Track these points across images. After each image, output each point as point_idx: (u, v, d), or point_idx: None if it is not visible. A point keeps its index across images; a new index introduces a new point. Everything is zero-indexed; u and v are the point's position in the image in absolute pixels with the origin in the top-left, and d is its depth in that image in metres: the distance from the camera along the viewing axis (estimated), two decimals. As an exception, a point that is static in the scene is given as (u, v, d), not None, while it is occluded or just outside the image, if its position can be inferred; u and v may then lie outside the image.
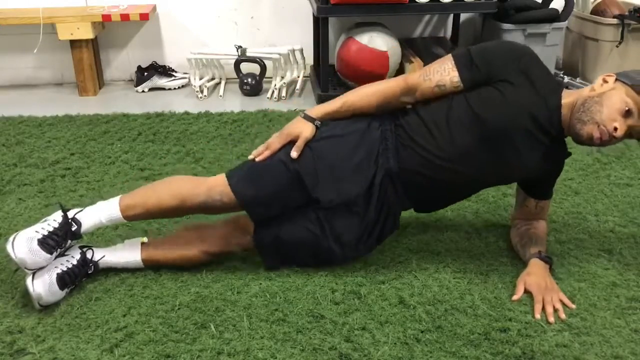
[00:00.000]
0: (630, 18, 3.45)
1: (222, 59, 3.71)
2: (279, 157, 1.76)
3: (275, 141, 1.78)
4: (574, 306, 1.69)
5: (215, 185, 1.76)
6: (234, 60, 3.62)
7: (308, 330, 1.60)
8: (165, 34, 3.83)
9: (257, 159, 1.77)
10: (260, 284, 1.79)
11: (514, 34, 3.48)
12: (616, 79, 1.67)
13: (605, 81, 1.68)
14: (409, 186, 1.77)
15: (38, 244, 1.62)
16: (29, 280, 1.64)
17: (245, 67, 3.65)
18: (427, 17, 3.95)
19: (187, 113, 3.23)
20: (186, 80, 3.77)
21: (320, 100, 3.34)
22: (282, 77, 3.67)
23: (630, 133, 1.65)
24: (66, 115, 3.19)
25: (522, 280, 1.76)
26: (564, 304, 1.69)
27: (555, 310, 1.66)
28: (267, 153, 1.77)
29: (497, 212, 2.21)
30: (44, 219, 1.72)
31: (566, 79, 3.65)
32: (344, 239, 1.79)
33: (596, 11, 3.65)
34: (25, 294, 1.72)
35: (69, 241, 1.72)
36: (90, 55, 3.55)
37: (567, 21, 3.58)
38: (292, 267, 1.85)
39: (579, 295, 1.75)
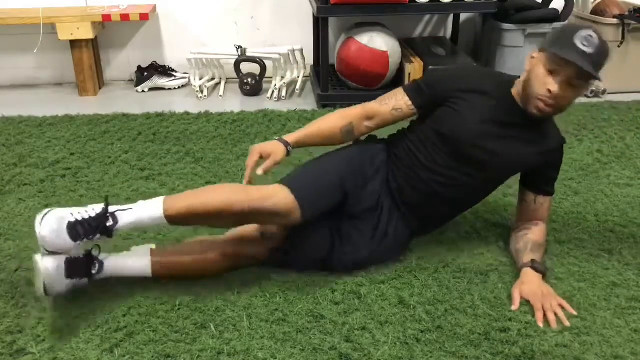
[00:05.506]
0: (630, 18, 3.45)
1: (222, 59, 3.71)
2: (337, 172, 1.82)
3: (248, 159, 1.80)
4: (574, 312, 1.68)
5: (271, 195, 1.67)
6: (234, 60, 3.63)
7: (308, 330, 1.60)
8: (165, 34, 3.83)
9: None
10: (261, 284, 1.79)
11: (514, 34, 3.48)
12: (540, 50, 1.75)
13: (532, 57, 1.76)
14: (414, 207, 1.88)
15: (67, 227, 1.54)
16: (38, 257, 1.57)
17: (245, 67, 3.65)
18: (427, 17, 3.95)
19: (187, 113, 3.23)
20: (186, 80, 3.77)
21: (320, 99, 3.35)
22: (282, 77, 3.67)
23: (572, 84, 1.68)
24: (66, 115, 3.19)
25: (517, 290, 1.73)
26: (564, 309, 1.68)
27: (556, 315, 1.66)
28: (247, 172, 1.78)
29: (497, 212, 2.20)
30: (85, 206, 1.63)
31: (566, 79, 3.65)
32: (354, 257, 1.83)
33: (596, 11, 3.65)
34: (26, 294, 1.73)
35: (98, 236, 1.60)
36: (90, 55, 3.55)
37: (567, 21, 3.58)
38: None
39: (579, 295, 1.75)
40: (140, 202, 1.66)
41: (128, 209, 1.64)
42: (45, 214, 1.54)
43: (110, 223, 1.60)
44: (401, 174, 1.87)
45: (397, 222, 1.88)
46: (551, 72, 1.68)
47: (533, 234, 1.89)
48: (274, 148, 1.80)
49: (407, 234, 1.92)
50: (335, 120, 1.89)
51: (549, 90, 1.68)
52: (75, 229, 1.55)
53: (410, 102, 1.87)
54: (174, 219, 1.64)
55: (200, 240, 1.84)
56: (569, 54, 1.63)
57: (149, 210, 1.63)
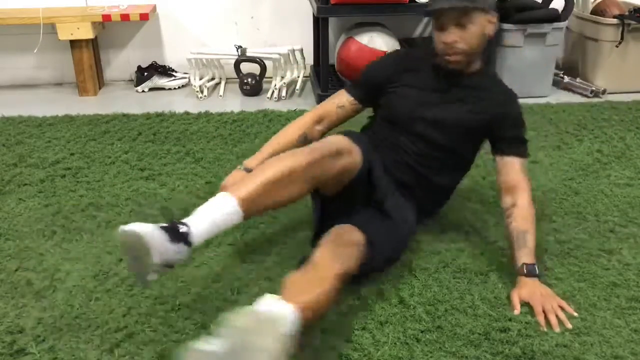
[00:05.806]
0: (630, 18, 3.45)
1: (222, 59, 3.72)
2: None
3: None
4: (576, 314, 1.67)
5: (331, 140, 1.72)
6: (234, 60, 3.63)
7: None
8: (165, 34, 3.83)
9: None
10: (261, 284, 1.79)
11: (514, 34, 3.47)
12: None
13: None
14: (410, 189, 1.93)
15: (158, 229, 1.42)
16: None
17: (245, 67, 3.65)
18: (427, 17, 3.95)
19: (187, 113, 3.23)
20: (186, 80, 3.77)
21: (320, 99, 3.35)
22: (282, 77, 3.67)
23: (460, 25, 1.79)
24: (66, 115, 3.19)
25: (516, 295, 1.72)
26: (564, 310, 1.68)
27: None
28: None
29: (497, 212, 2.20)
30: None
31: (566, 79, 3.65)
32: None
33: (596, 11, 3.65)
34: (26, 293, 1.73)
35: (181, 244, 1.44)
36: (90, 55, 3.55)
37: (567, 21, 3.58)
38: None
39: (578, 295, 1.75)
40: (198, 208, 1.53)
41: (192, 215, 1.51)
42: (129, 224, 1.42)
43: (182, 228, 1.46)
44: (386, 159, 1.93)
45: (404, 204, 1.92)
46: (439, 29, 1.83)
47: (516, 220, 1.83)
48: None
49: (413, 215, 1.94)
50: (291, 133, 1.99)
51: (444, 43, 1.83)
52: (164, 231, 1.43)
53: (351, 98, 2.02)
54: (249, 205, 1.53)
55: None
56: (436, 4, 1.80)
57: (217, 206, 1.51)
